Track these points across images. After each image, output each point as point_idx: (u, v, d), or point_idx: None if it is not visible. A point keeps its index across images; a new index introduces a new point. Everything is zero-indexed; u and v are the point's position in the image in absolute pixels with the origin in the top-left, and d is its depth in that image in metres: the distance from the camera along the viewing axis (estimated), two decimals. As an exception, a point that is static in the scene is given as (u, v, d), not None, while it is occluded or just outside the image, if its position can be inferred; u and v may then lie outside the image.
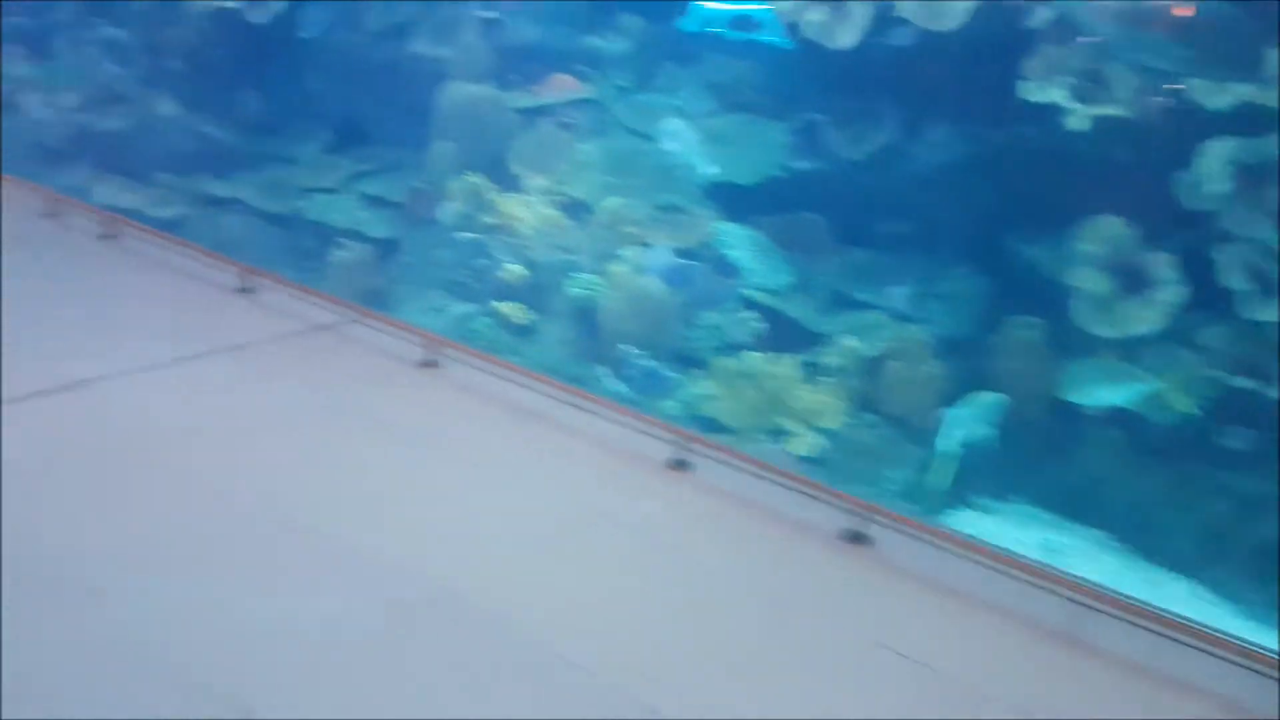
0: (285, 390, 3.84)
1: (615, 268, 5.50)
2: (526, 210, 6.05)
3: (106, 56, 7.05)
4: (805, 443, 4.93)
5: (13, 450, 3.15)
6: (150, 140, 6.93)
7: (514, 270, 5.91)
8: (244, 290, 4.84)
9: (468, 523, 3.04)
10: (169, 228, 6.17)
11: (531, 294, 5.84)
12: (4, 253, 5.17)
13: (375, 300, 5.97)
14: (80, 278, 4.96)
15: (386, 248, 6.41)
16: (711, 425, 4.87)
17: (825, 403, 5.04)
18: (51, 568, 2.60)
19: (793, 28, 5.80)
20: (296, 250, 6.35)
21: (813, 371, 5.14)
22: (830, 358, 5.18)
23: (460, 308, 5.95)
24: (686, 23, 6.73)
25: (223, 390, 3.80)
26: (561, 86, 6.51)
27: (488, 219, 6.11)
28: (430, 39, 6.64)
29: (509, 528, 3.03)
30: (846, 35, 5.53)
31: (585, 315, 5.64)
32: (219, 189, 6.68)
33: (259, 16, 6.64)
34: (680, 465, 3.48)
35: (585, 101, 6.45)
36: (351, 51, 6.78)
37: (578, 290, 5.70)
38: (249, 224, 6.50)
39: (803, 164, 5.73)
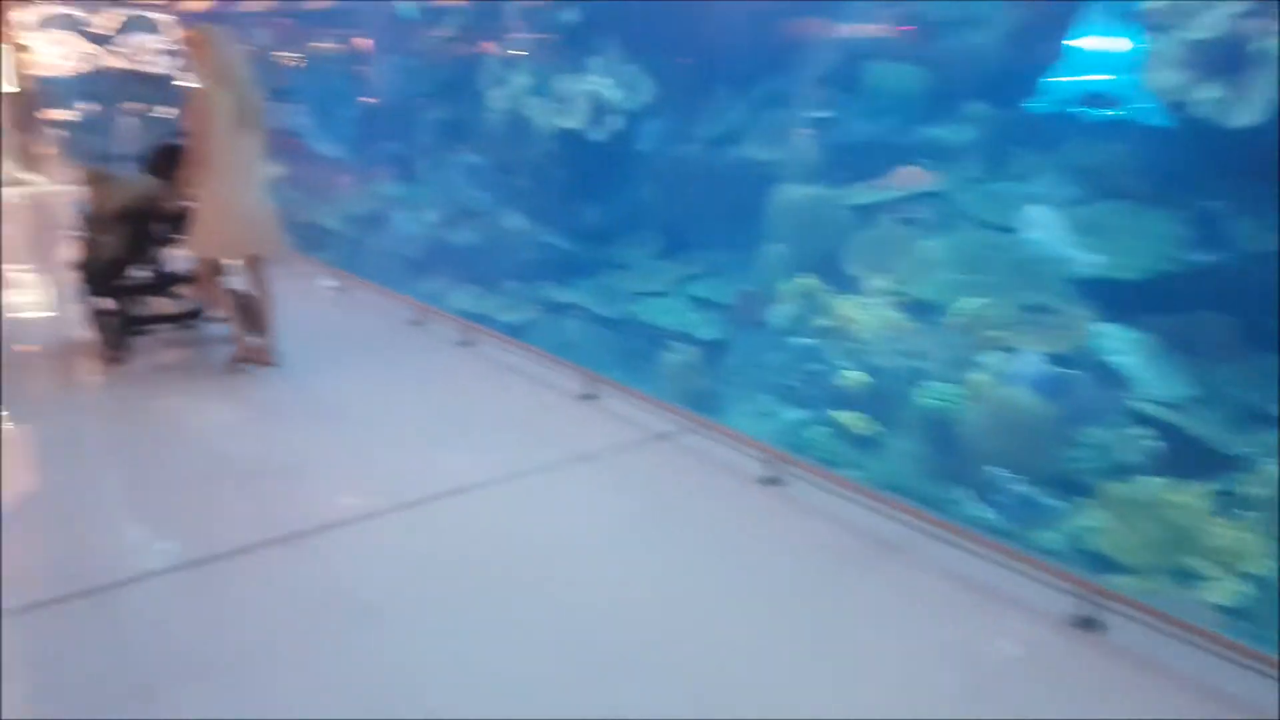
0: (633, 506, 3.76)
1: (974, 376, 4.97)
2: (865, 312, 5.71)
3: (464, 178, 7.75)
4: (1225, 590, 4.05)
5: (397, 553, 3.30)
6: (500, 251, 7.48)
7: (852, 376, 5.55)
8: (587, 396, 4.90)
9: (852, 692, 2.64)
10: (517, 332, 6.53)
11: (873, 403, 5.44)
12: (379, 357, 5.73)
13: (705, 402, 5.87)
14: (445, 382, 5.32)
15: (716, 350, 6.36)
16: (1104, 563, 4.14)
17: (1248, 541, 4.13)
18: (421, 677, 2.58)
19: (1177, 105, 5.07)
20: (630, 352, 6.47)
21: (1228, 502, 4.25)
22: (1250, 486, 4.27)
23: (793, 413, 5.68)
24: (1036, 104, 6.17)
25: (577, 503, 3.79)
26: (901, 180, 6.15)
27: (822, 321, 5.84)
28: (760, 142, 6.62)
29: (903, 697, 2.60)
30: (1247, 113, 4.74)
31: (938, 429, 5.12)
32: (560, 295, 7.03)
33: (598, 135, 7.01)
34: (1087, 624, 2.88)
35: (928, 194, 6.03)
36: (683, 160, 6.93)
37: (928, 400, 5.21)
38: (587, 327, 6.76)
39: (1200, 256, 4.90)
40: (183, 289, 5.41)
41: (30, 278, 7.43)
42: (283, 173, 10.23)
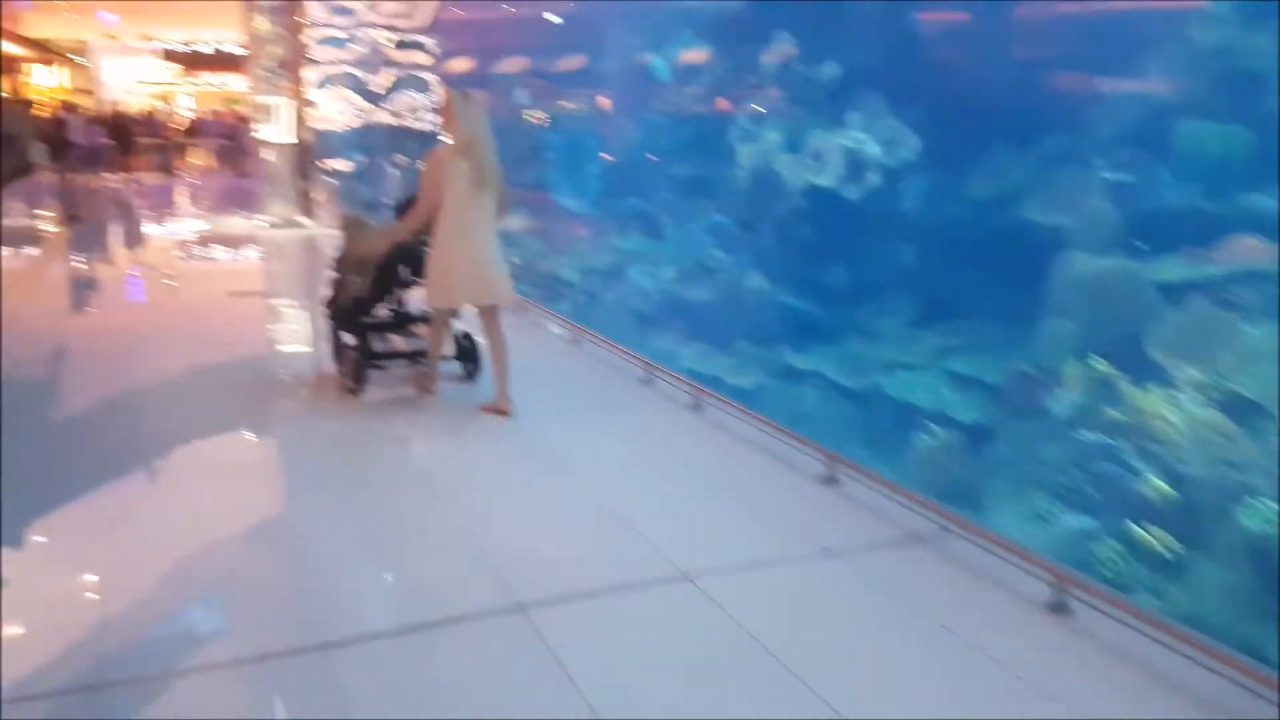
0: (895, 622, 3.18)
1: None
2: (1172, 408, 4.80)
3: (705, 234, 7.48)
4: None
5: (620, 639, 3.02)
6: (736, 311, 7.12)
7: (1154, 485, 4.66)
8: (827, 479, 4.37)
9: None
10: (748, 398, 6.09)
11: (1180, 519, 4.52)
12: (606, 415, 5.48)
13: (965, 497, 5.14)
14: (672, 449, 4.96)
15: (979, 436, 5.61)
16: None
17: None
18: None
19: None
20: (876, 431, 5.86)
21: None
22: None
23: (1074, 521, 4.84)
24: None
25: (826, 608, 3.27)
26: (1222, 256, 5.21)
27: (1115, 414, 4.98)
28: (1044, 205, 5.86)
29: None
30: None
31: (1266, 559, 4.15)
32: (798, 361, 6.56)
33: (853, 192, 6.54)
34: None
35: (1255, 274, 5.06)
36: (949, 221, 6.29)
37: (1252, 522, 4.25)
38: (826, 398, 6.22)
39: None
40: (419, 329, 5.64)
41: (294, 312, 7.93)
42: (527, 225, 10.51)
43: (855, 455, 4.50)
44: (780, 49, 7.02)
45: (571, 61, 9.81)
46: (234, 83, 38.91)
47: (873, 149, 6.42)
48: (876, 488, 4.18)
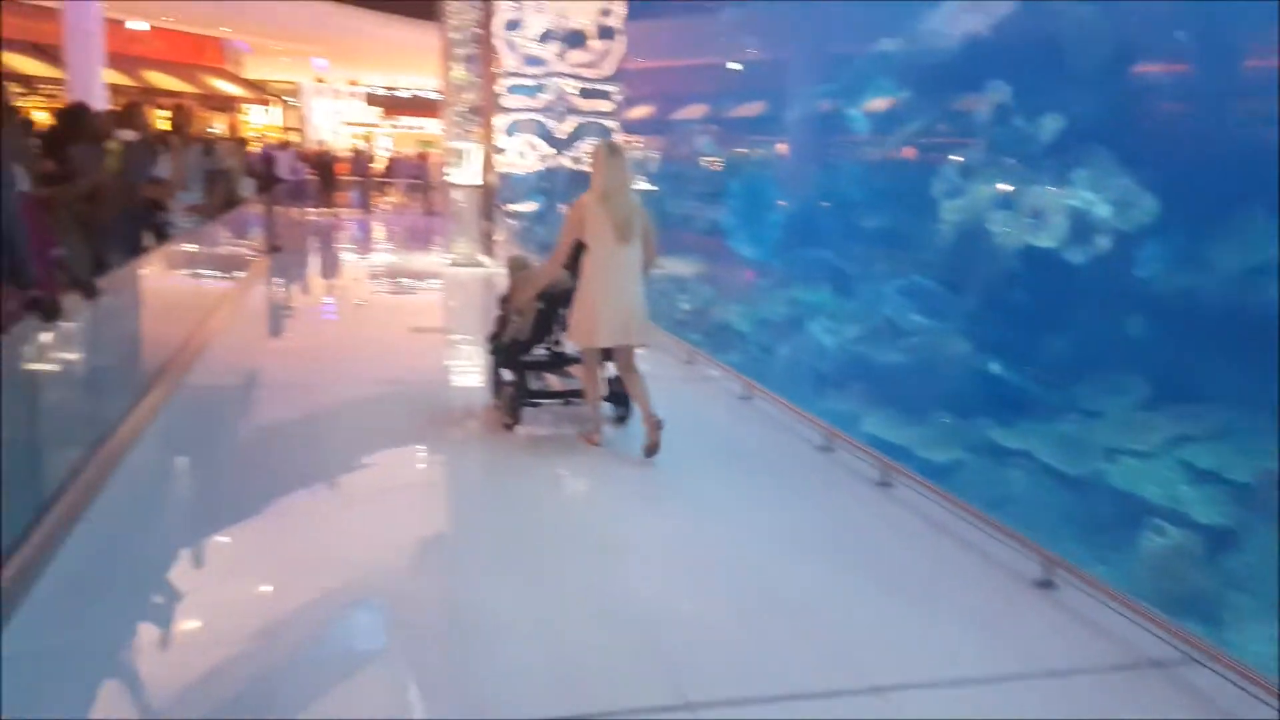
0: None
1: None
2: None
3: (897, 291, 7.00)
4: None
5: None
6: (932, 377, 6.57)
7: None
8: (1042, 583, 3.80)
9: None
10: (942, 476, 5.54)
11: None
12: (781, 485, 5.05)
13: (1207, 612, 4.40)
14: (858, 533, 4.47)
15: (1220, 540, 4.85)
16: None
17: None
18: None
19: None
20: (1095, 525, 5.17)
21: None
22: None
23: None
24: None
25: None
26: None
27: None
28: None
29: None
30: None
31: None
32: (1003, 437, 5.93)
33: (1076, 256, 5.90)
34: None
35: None
36: (1190, 292, 5.56)
37: None
38: (1036, 483, 5.57)
39: None
40: (575, 370, 5.72)
41: (466, 347, 8.05)
42: (698, 271, 10.32)
43: (1071, 551, 3.92)
44: (993, 98, 6.50)
45: (753, 108, 9.61)
46: (428, 126, 41.34)
47: (1102, 210, 5.78)
48: (1101, 599, 3.58)
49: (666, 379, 7.44)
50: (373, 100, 35.76)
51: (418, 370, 7.30)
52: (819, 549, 4.22)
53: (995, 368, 6.29)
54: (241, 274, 10.92)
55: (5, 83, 5.23)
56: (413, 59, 30.40)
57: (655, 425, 4.99)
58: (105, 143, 4.89)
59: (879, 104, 7.62)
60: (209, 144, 10.01)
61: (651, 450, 5.00)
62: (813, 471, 5.33)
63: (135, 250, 5.97)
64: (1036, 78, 6.31)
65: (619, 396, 5.63)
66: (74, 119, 5.27)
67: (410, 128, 41.68)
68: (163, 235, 7.10)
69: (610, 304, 4.90)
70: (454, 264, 13.91)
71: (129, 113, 6.60)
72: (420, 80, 36.57)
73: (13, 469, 3.65)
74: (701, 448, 5.63)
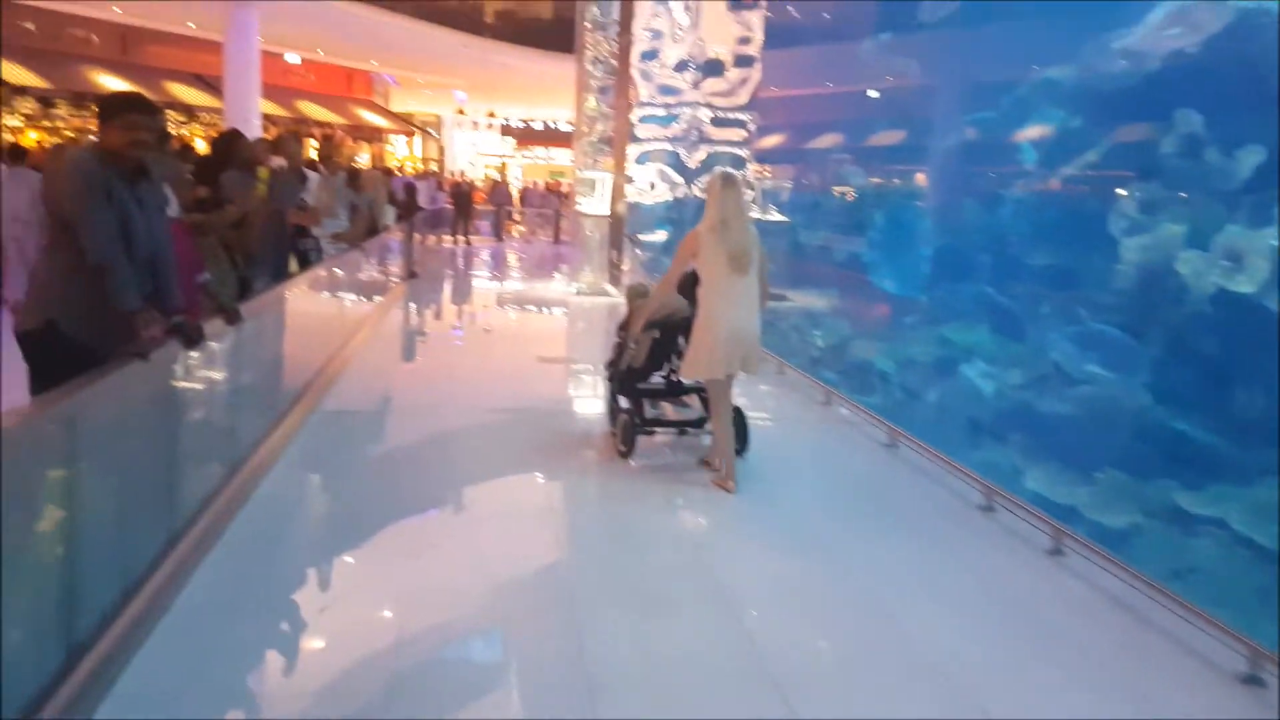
0: None
1: None
2: None
3: (1066, 335, 6.39)
4: None
5: None
6: (1106, 430, 5.94)
7: None
8: (1249, 679, 3.28)
9: None
10: (1117, 542, 4.95)
11: None
12: (936, 549, 4.61)
13: None
14: (1026, 607, 3.98)
15: None
16: None
17: None
18: None
19: None
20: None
21: None
22: None
23: None
24: None
25: None
26: None
27: None
28: None
29: None
30: None
31: None
32: (1190, 502, 5.27)
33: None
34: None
35: None
36: None
37: None
38: (1231, 555, 4.91)
39: None
40: (690, 399, 5.78)
41: (589, 375, 8.12)
42: (834, 305, 9.88)
43: (1271, 633, 3.34)
44: (1183, 128, 5.89)
45: (896, 137, 9.13)
46: (558, 157, 42.22)
47: (1312, 252, 5.10)
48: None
49: (801, 420, 7.07)
50: (507, 131, 36.74)
51: (541, 397, 7.36)
52: (979, 617, 3.83)
53: (1181, 423, 5.63)
54: (380, 298, 11.13)
55: (164, 110, 5.36)
56: (547, 91, 31.08)
57: (731, 488, 5.01)
58: (256, 170, 4.93)
59: (1044, 133, 7.07)
60: (354, 173, 10.26)
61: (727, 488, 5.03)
62: (971, 532, 4.87)
63: (280, 275, 6.04)
64: (1237, 107, 5.67)
65: (736, 428, 5.43)
66: (226, 146, 5.35)
67: (541, 158, 42.69)
68: (306, 261, 7.20)
69: (728, 334, 4.86)
70: (580, 293, 13.89)
71: (280, 141, 6.74)
72: (553, 112, 37.38)
73: (152, 492, 3.62)
74: (840, 497, 5.32)
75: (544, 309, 13.41)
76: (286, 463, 5.16)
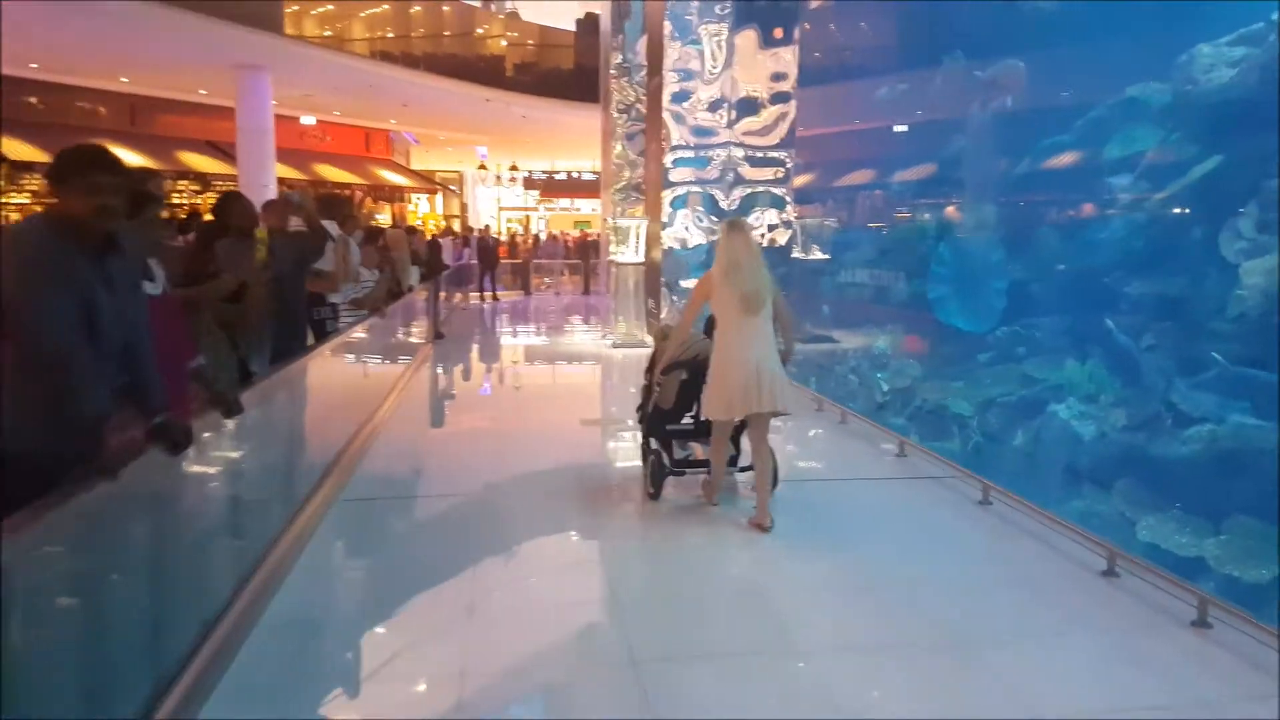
0: None
1: None
2: None
3: (1177, 367, 5.61)
4: None
5: None
6: (1232, 474, 5.15)
7: None
8: None
9: None
10: (1253, 596, 4.21)
11: None
12: (1060, 621, 3.91)
13: None
14: (1170, 685, 3.36)
15: None
16: None
17: None
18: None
19: None
20: None
21: None
22: None
23: None
24: None
25: None
26: None
27: None
28: None
29: None
30: None
31: None
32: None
33: None
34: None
35: None
36: None
37: None
38: None
39: None
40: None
41: (627, 432, 7.60)
42: (900, 346, 9.16)
43: None
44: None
45: (961, 168, 8.43)
46: (584, 206, 42.08)
47: None
48: None
49: (875, 474, 6.33)
50: (530, 184, 36.57)
51: (579, 457, 7.04)
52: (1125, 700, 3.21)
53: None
54: (407, 362, 10.56)
55: (148, 173, 4.79)
56: (570, 141, 30.89)
57: (765, 524, 5.00)
58: (253, 234, 4.31)
59: (1134, 153, 6.35)
60: (373, 232, 9.73)
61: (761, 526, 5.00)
62: (1096, 603, 4.15)
63: (291, 350, 5.42)
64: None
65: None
66: (222, 210, 4.78)
67: (566, 209, 42.57)
68: (324, 331, 6.62)
69: (739, 374, 4.89)
70: (616, 345, 13.24)
71: (282, 202, 6.18)
72: (575, 163, 37.23)
73: (124, 643, 2.95)
74: (936, 564, 4.60)
75: (578, 363, 12.78)
76: (304, 568, 4.49)
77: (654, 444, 5.67)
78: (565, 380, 11.73)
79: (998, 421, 7.20)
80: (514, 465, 6.48)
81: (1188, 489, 5.36)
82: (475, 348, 14.74)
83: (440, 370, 11.90)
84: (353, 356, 7.50)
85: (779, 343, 5.10)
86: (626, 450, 6.89)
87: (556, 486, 5.92)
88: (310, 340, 6.28)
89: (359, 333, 7.62)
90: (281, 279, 5.27)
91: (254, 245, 4.19)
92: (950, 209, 8.42)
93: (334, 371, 6.75)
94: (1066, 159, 6.88)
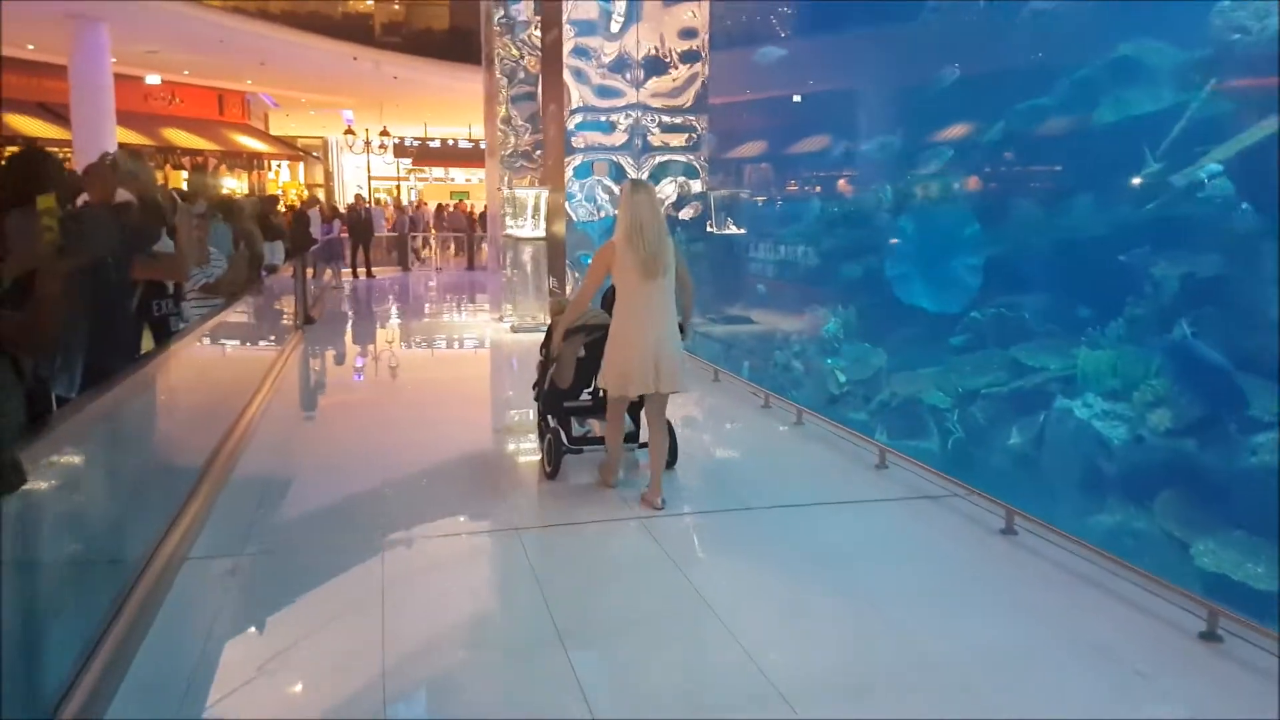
0: None
1: None
2: None
3: (1237, 363, 4.75)
4: None
5: None
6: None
7: None
8: None
9: None
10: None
11: None
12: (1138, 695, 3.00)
13: None
14: None
15: None
16: None
17: None
18: None
19: None
20: None
21: None
22: None
23: None
24: None
25: None
26: None
27: None
28: None
29: None
30: None
31: None
32: None
33: None
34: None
35: None
36: None
37: None
38: None
39: None
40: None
41: (519, 414, 7.28)
42: (852, 329, 8.21)
43: None
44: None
45: (919, 135, 7.43)
46: (458, 175, 39.93)
47: None
48: None
49: (853, 492, 5.33)
50: (401, 151, 34.19)
51: (480, 449, 6.51)
52: None
53: None
54: (272, 356, 8.92)
55: None
56: (446, 106, 28.92)
57: (657, 503, 4.87)
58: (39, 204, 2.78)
59: (1123, 116, 5.47)
60: (228, 205, 8.04)
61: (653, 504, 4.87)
62: (1192, 669, 3.29)
63: (117, 362, 3.91)
64: None
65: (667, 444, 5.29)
66: (20, 174, 3.27)
67: (440, 179, 40.33)
68: (166, 331, 5.08)
69: (637, 351, 4.73)
70: (516, 329, 11.88)
71: (106, 167, 4.58)
72: (450, 129, 35.13)
73: None
74: (979, 638, 3.54)
75: (474, 349, 11.36)
76: (134, 686, 3.09)
77: (551, 421, 5.49)
78: (460, 370, 10.32)
79: (984, 416, 6.29)
80: (408, 471, 5.70)
81: (1253, 507, 4.54)
82: (353, 334, 13.02)
83: (313, 364, 10.25)
84: (204, 359, 5.93)
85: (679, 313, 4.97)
86: (527, 434, 6.42)
87: (456, 483, 5.51)
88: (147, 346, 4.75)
89: (211, 327, 6.04)
90: (101, 269, 3.78)
91: (42, 221, 2.70)
92: (904, 180, 7.44)
93: (179, 383, 5.20)
94: (1051, 124, 5.98)
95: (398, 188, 37.80)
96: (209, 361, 6.16)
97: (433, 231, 25.25)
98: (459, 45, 23.65)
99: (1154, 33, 5.59)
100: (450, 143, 35.51)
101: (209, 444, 5.40)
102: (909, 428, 6.83)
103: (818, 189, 9.10)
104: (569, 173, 11.87)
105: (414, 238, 23.42)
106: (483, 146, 24.88)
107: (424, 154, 35.65)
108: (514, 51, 16.45)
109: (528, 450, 6.05)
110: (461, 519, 4.92)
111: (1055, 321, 5.80)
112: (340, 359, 10.90)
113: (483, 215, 25.80)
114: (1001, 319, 6.31)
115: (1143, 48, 5.68)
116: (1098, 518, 5.15)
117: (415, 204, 29.03)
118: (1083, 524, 4.93)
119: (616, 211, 4.89)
